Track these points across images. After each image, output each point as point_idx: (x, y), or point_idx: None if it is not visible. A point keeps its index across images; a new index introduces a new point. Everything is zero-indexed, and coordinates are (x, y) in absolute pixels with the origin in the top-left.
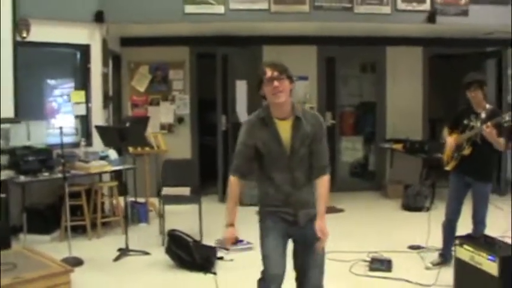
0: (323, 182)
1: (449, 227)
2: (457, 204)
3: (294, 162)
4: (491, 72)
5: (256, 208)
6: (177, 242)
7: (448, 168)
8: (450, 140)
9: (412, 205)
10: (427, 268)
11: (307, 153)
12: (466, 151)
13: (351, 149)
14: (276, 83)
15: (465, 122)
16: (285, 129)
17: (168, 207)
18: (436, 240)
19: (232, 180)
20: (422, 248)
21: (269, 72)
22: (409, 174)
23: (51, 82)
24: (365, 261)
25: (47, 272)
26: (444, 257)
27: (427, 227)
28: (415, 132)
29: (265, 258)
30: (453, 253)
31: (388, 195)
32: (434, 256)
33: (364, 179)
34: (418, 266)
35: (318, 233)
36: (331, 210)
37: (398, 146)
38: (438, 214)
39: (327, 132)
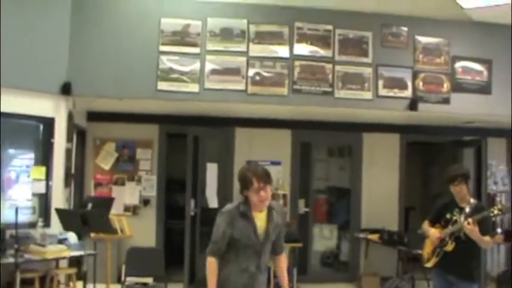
0: (284, 258)
1: None
2: None
3: (264, 248)
4: (469, 161)
5: None
6: None
7: (428, 265)
8: (434, 232)
9: None
10: None
11: (272, 240)
12: (449, 247)
13: (324, 238)
14: (262, 193)
15: (448, 216)
16: (261, 219)
17: None
18: None
19: (212, 261)
20: None
21: (256, 184)
22: (385, 266)
23: (10, 151)
24: None
25: None
26: None
27: None
28: (391, 221)
29: None
30: None
31: None
32: None
33: (337, 270)
34: None
35: (283, 283)
36: None
37: (374, 237)
38: None
39: (300, 219)
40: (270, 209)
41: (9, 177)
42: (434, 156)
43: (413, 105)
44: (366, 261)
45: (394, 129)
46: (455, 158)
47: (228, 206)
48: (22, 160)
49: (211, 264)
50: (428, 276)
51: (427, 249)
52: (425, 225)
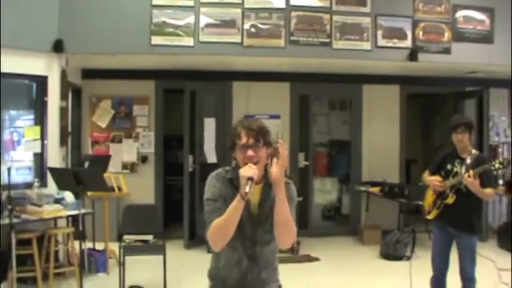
0: None
1: (438, 284)
2: (443, 258)
3: (260, 234)
4: (471, 113)
5: None
6: None
7: (429, 217)
8: (434, 178)
9: (391, 253)
10: None
11: (272, 223)
12: (450, 199)
13: (324, 192)
14: (250, 152)
15: (448, 167)
16: (255, 194)
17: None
18: None
19: (214, 223)
20: None
21: (244, 138)
22: (386, 219)
23: (12, 113)
24: None
25: None
26: None
27: (410, 280)
28: (392, 174)
29: None
30: None
31: (364, 241)
32: None
33: (338, 223)
34: None
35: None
36: (305, 258)
37: (375, 190)
38: (420, 264)
39: (300, 173)
40: (266, 184)
41: (11, 138)
42: (436, 107)
43: (413, 55)
44: (367, 214)
45: (394, 80)
46: (457, 109)
47: (217, 170)
48: (24, 121)
49: (213, 226)
50: (429, 229)
51: (427, 201)
52: (426, 175)
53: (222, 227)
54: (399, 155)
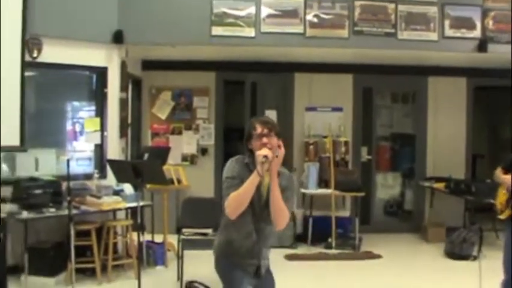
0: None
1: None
2: None
3: (264, 213)
4: None
5: None
6: None
7: (502, 217)
8: (508, 177)
9: (457, 253)
10: None
11: None
12: None
13: (387, 186)
14: (265, 140)
15: None
16: (264, 180)
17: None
18: None
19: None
20: None
21: (259, 129)
22: (451, 216)
23: (75, 104)
24: None
25: None
26: None
27: (477, 281)
28: (457, 170)
29: None
30: None
31: (428, 239)
32: None
33: (400, 219)
34: None
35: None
36: (367, 255)
37: (441, 185)
38: (488, 265)
39: (362, 167)
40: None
41: (73, 129)
42: (504, 101)
43: (482, 46)
44: (431, 210)
45: (461, 72)
46: None
47: (236, 156)
48: (86, 112)
49: (231, 197)
50: (497, 227)
51: (500, 200)
52: (498, 172)
53: (239, 197)
54: (465, 150)
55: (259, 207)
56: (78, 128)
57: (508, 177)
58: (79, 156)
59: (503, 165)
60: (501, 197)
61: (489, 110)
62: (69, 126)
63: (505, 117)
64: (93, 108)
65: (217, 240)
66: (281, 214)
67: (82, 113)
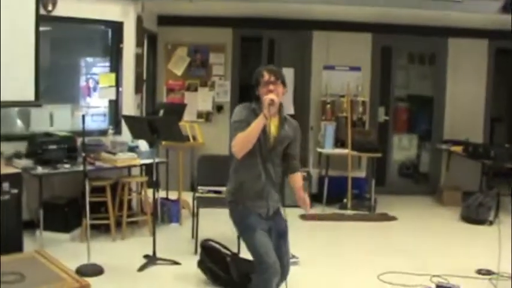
0: (299, 177)
1: None
2: None
3: (272, 156)
4: None
5: None
6: (211, 255)
7: None
8: None
9: (473, 217)
10: None
11: (282, 152)
12: None
13: (403, 148)
14: (271, 86)
15: None
16: (272, 125)
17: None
18: (509, 264)
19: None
20: (494, 273)
21: (266, 76)
22: (468, 179)
23: (89, 60)
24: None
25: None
26: None
27: (494, 246)
28: (475, 133)
29: (263, 253)
30: None
31: (443, 202)
32: (509, 285)
33: (416, 182)
34: None
35: (300, 203)
36: (383, 217)
37: (458, 149)
38: (504, 230)
39: (379, 128)
40: (282, 119)
41: (87, 85)
42: None
43: (506, 7)
44: (447, 174)
45: (482, 34)
46: None
47: (244, 103)
48: (100, 68)
49: (238, 137)
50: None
51: None
52: None
53: (246, 137)
54: (484, 113)
55: (266, 149)
56: (92, 83)
57: None
58: (94, 112)
59: None
60: None
61: (510, 73)
62: (83, 82)
63: None
64: (108, 64)
65: (228, 186)
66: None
67: (96, 68)
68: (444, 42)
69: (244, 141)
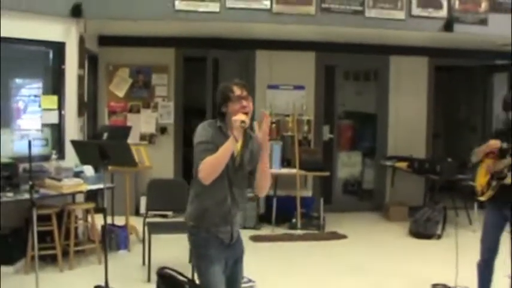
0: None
1: (486, 268)
2: (494, 242)
3: (239, 178)
4: (500, 88)
5: None
6: (168, 283)
7: (482, 198)
8: (494, 142)
9: (422, 232)
10: None
11: (248, 172)
12: (508, 179)
13: (348, 165)
14: (244, 103)
15: (504, 145)
16: (236, 146)
17: None
18: (464, 277)
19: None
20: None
21: (238, 91)
22: (412, 195)
23: (18, 81)
24: None
25: None
26: None
27: (445, 260)
28: (417, 148)
29: None
30: None
31: (390, 218)
32: None
33: (362, 199)
34: None
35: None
36: (333, 236)
37: (403, 165)
38: (452, 243)
39: (324, 146)
40: (248, 137)
41: (18, 107)
42: (462, 81)
43: (448, 26)
44: (392, 189)
45: (423, 52)
46: (485, 83)
47: (207, 121)
48: (30, 90)
49: (207, 162)
50: (457, 205)
51: (480, 182)
52: (478, 150)
53: (216, 161)
54: (426, 129)
55: (232, 171)
56: (22, 105)
57: (495, 141)
58: (34, 136)
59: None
60: (481, 178)
61: (445, 89)
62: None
63: (463, 97)
64: (41, 85)
65: (190, 209)
66: (268, 178)
67: (28, 90)
68: (386, 60)
69: (213, 166)
